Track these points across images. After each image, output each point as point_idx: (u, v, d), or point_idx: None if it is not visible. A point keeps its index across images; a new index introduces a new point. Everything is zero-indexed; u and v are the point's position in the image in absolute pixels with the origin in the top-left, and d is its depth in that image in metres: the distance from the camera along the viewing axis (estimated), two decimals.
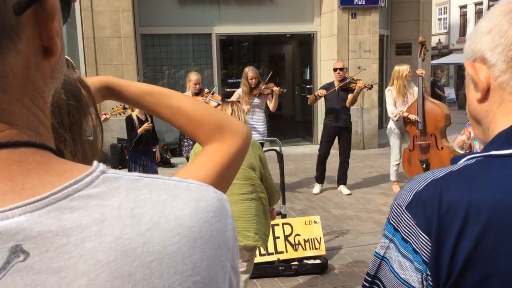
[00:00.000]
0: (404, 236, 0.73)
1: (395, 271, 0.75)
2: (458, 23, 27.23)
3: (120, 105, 5.45)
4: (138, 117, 5.47)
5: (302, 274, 4.01)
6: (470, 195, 0.69)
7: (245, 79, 6.15)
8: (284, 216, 4.49)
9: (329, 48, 9.59)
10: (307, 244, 4.25)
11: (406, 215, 0.74)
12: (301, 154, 9.19)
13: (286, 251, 4.19)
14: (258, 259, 4.05)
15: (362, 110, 9.54)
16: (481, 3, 26.03)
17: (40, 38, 0.47)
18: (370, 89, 6.56)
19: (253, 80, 6.11)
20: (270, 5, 9.67)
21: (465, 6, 27.67)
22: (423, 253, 0.71)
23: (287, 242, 4.22)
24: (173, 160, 8.49)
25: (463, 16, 27.59)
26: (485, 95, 0.80)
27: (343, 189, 6.52)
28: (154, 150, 5.85)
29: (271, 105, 6.29)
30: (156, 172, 5.75)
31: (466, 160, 0.76)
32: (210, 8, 9.45)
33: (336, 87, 6.28)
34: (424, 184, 0.74)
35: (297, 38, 11.76)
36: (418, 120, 5.87)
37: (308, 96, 6.81)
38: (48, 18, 0.47)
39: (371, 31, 9.35)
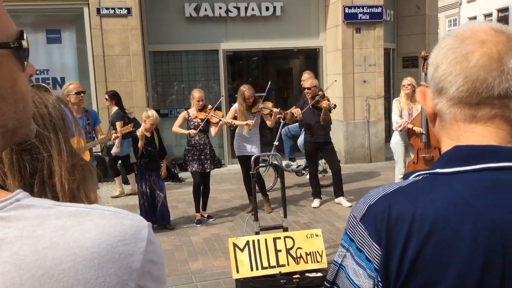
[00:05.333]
0: (359, 246, 0.80)
1: (350, 278, 0.81)
2: None
3: (130, 124, 5.79)
4: (144, 134, 5.62)
5: (304, 287, 4.06)
6: (414, 208, 0.76)
7: (241, 98, 6.24)
8: (285, 230, 4.56)
9: (334, 63, 9.69)
10: (308, 257, 4.29)
11: (360, 227, 0.81)
12: None
13: (288, 264, 4.24)
14: (260, 272, 4.11)
15: (368, 124, 9.59)
16: (490, 15, 26.02)
17: None
18: (333, 108, 6.25)
19: (250, 100, 6.25)
20: (275, 21, 9.82)
21: (474, 18, 27.66)
22: (375, 262, 0.78)
23: (288, 255, 4.28)
24: (181, 174, 8.60)
25: None
26: (433, 119, 0.88)
27: (343, 201, 6.56)
28: (161, 165, 5.87)
29: (269, 123, 6.40)
30: (162, 187, 5.83)
31: (414, 177, 0.83)
32: (217, 25, 9.63)
33: (310, 105, 6.34)
34: (376, 198, 0.81)
35: (303, 52, 11.87)
36: (423, 132, 5.91)
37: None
38: None
39: (375, 45, 9.43)
